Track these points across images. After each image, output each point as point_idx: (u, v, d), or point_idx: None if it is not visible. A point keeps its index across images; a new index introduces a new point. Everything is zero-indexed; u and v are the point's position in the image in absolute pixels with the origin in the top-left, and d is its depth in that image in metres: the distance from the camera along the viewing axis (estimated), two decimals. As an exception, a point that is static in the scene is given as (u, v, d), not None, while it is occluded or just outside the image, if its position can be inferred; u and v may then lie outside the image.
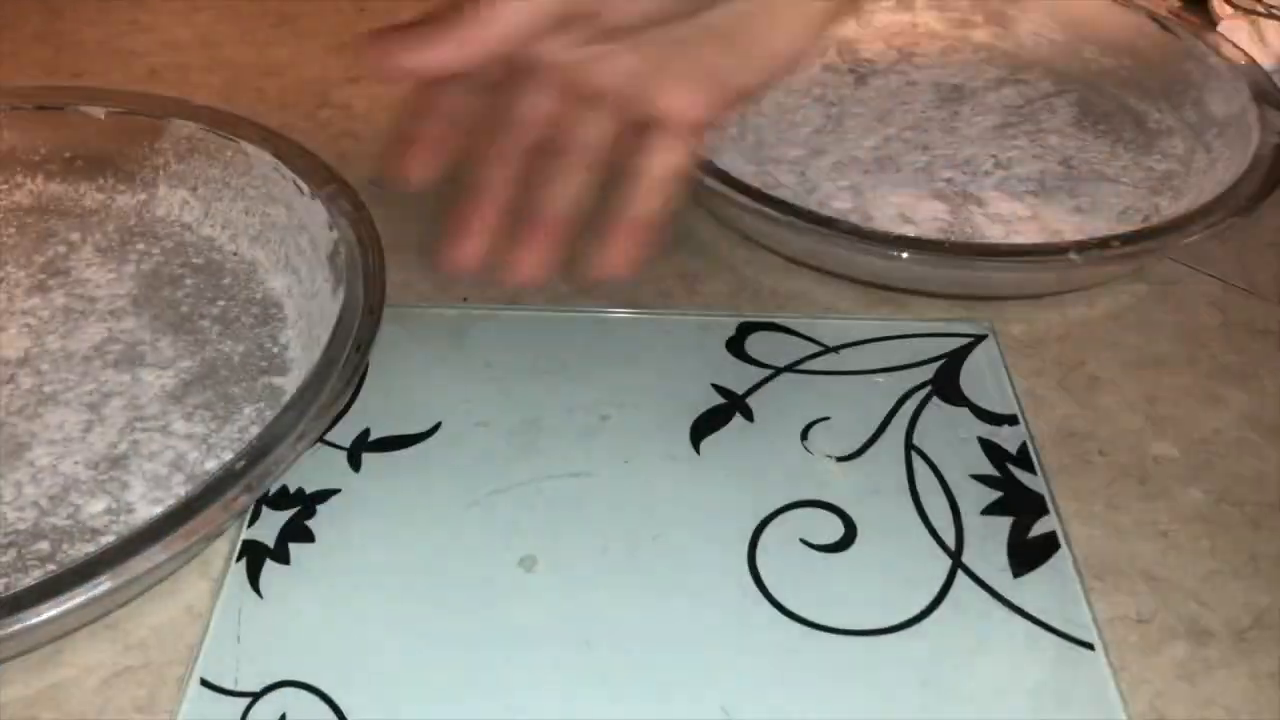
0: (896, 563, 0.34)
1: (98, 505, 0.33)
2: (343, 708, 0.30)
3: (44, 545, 0.32)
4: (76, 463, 0.35)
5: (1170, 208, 0.47)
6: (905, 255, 0.40)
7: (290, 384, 0.37)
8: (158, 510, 0.32)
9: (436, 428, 0.37)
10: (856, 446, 0.37)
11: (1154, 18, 0.54)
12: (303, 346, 0.38)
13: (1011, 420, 0.38)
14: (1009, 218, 0.46)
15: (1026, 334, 0.42)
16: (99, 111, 0.44)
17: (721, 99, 0.30)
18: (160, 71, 0.58)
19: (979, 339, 0.42)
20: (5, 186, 0.45)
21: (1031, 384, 0.40)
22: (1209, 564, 0.34)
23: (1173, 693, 0.31)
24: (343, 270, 0.37)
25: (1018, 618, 0.32)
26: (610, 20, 0.28)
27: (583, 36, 0.29)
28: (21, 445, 0.35)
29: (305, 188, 0.40)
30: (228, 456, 0.34)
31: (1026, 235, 0.46)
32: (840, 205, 0.47)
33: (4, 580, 0.31)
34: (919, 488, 0.36)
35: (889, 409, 0.39)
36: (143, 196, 0.45)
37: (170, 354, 0.38)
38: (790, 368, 0.40)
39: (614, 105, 0.30)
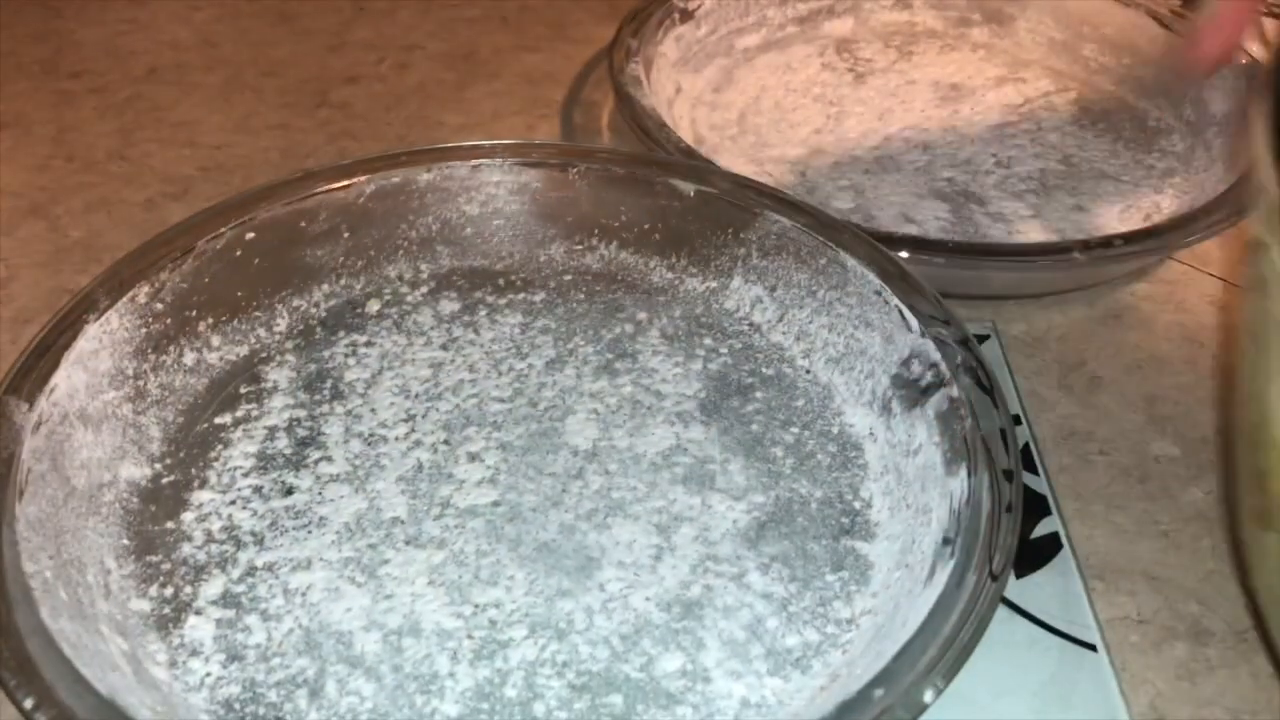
0: (899, 564, 0.34)
1: (672, 662, 0.30)
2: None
3: (617, 699, 0.29)
4: (648, 599, 0.31)
5: (1170, 205, 0.47)
6: (906, 255, 0.40)
7: (875, 554, 0.32)
8: (734, 685, 0.29)
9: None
10: (860, 448, 0.37)
11: (1154, 15, 0.54)
12: (889, 510, 0.33)
13: (1014, 420, 0.38)
14: (1010, 216, 0.47)
15: (1027, 334, 0.42)
16: (689, 188, 0.40)
17: None
18: (159, 71, 0.58)
19: (980, 339, 0.41)
20: (579, 248, 0.42)
21: (1032, 383, 0.40)
22: (1209, 564, 0.34)
23: (1173, 693, 0.31)
24: (961, 440, 0.31)
25: (1020, 619, 0.32)
26: None
27: None
28: (591, 560, 0.32)
29: (914, 323, 0.35)
30: (809, 634, 0.30)
31: (1028, 234, 0.46)
32: (841, 205, 0.47)
33: None
34: (922, 489, 0.36)
35: (892, 410, 0.39)
36: (713, 284, 0.41)
37: (741, 482, 0.34)
38: (793, 369, 0.40)
39: None
